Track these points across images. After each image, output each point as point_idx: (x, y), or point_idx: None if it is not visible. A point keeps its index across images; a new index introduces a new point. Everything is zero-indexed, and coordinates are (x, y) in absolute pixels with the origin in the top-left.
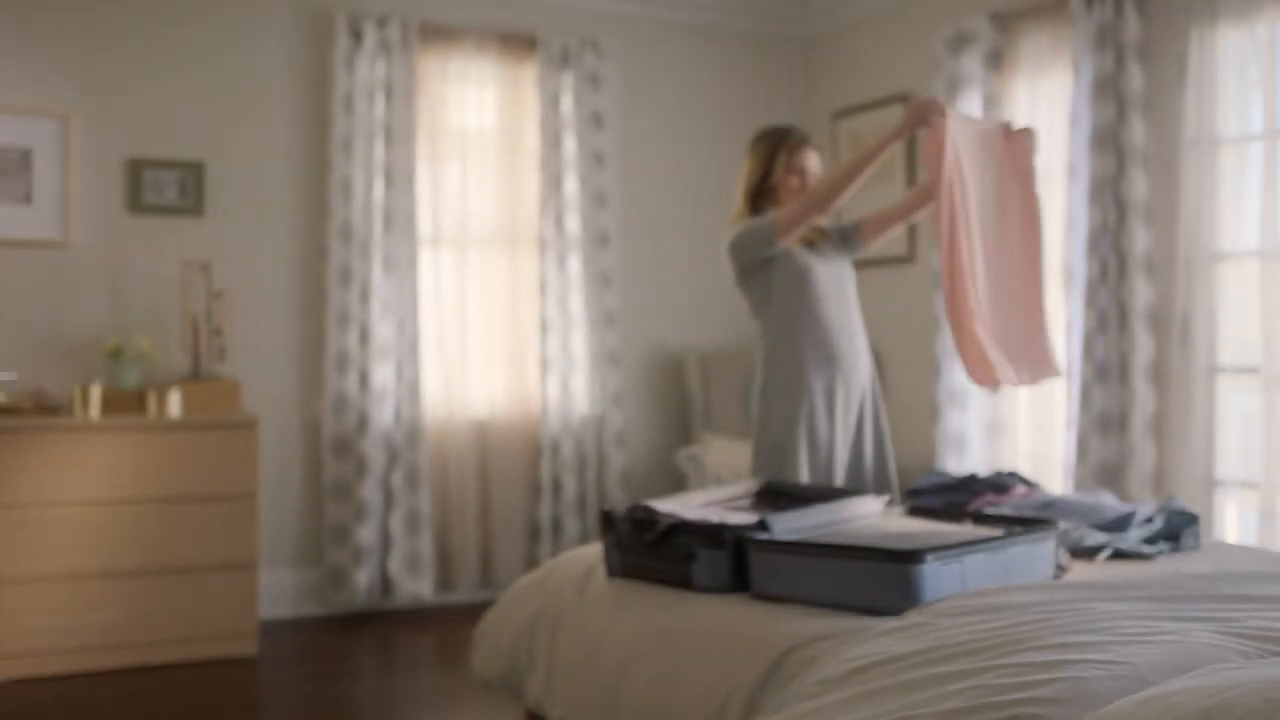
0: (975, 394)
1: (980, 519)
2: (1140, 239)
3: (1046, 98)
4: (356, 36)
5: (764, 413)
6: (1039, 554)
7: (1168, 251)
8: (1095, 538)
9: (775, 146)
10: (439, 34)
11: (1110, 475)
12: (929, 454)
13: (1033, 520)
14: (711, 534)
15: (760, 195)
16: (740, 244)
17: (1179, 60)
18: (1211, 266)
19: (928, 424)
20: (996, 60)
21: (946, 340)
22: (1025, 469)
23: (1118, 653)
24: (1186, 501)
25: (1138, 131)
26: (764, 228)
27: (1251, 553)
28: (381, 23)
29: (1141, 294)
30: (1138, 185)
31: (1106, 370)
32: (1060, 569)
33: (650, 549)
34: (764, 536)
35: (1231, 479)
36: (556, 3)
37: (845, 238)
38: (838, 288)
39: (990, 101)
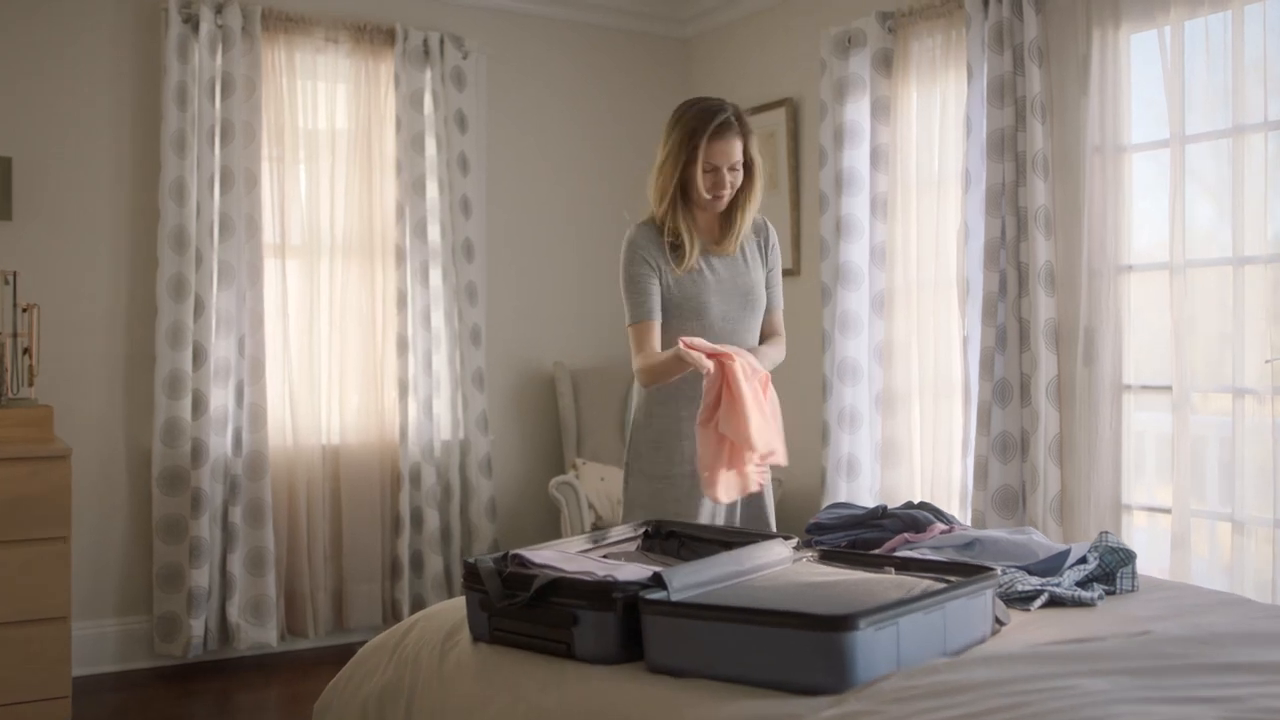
0: (867, 416)
1: (902, 564)
2: (1041, 250)
3: (939, 101)
4: (191, 23)
5: (643, 454)
6: (977, 608)
7: (1071, 263)
8: (1028, 582)
9: (687, 137)
10: (285, 22)
11: (1011, 501)
12: (818, 479)
13: (964, 566)
14: (597, 592)
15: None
16: (622, 276)
17: (1081, 63)
18: (1117, 279)
19: (816, 447)
20: (886, 62)
21: (836, 357)
22: (921, 495)
23: None
24: (1090, 527)
25: (1038, 137)
26: (633, 309)
27: (1196, 593)
28: (219, 8)
29: (1043, 308)
30: (1038, 194)
31: (1006, 390)
32: (999, 623)
33: (524, 610)
34: (659, 596)
35: (1140, 504)
36: None
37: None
38: (739, 317)
39: (880, 105)
